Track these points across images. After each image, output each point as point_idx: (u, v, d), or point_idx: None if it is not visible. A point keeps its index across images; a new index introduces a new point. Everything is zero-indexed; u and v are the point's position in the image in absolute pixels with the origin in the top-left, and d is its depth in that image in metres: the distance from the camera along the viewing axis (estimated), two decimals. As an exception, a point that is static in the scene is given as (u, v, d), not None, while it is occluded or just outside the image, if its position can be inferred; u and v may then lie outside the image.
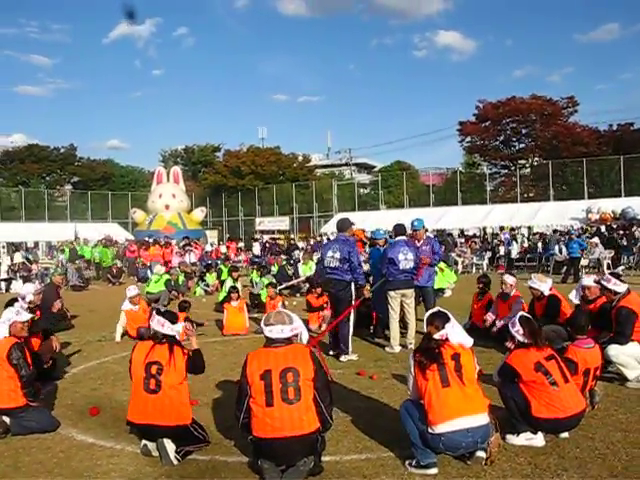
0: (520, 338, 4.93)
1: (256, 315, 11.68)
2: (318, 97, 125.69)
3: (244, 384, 4.24)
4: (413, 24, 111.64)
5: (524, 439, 4.73)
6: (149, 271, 19.74)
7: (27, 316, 5.91)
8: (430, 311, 4.69)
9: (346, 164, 62.80)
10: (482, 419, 4.22)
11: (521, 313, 5.11)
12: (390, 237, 10.28)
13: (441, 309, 4.70)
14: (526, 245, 24.21)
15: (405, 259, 8.63)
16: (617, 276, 7.03)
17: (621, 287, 6.80)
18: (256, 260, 24.91)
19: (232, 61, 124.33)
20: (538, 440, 4.70)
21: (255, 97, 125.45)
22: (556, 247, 21.00)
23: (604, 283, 6.91)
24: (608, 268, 20.58)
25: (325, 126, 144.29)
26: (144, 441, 4.77)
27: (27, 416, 5.31)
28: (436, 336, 4.40)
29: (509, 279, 9.05)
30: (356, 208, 39.06)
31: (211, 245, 25.34)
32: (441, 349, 4.32)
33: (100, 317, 12.53)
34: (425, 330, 4.59)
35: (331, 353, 8.31)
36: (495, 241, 25.83)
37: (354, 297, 8.32)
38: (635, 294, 6.86)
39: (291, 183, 44.40)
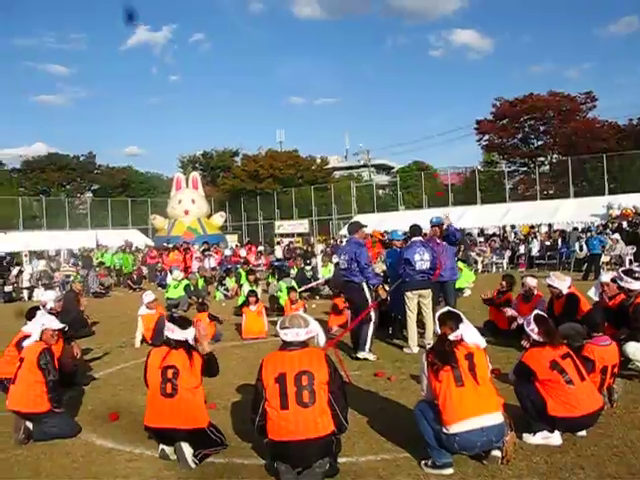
0: (535, 337, 4.92)
1: (275, 318, 11.68)
2: (335, 99, 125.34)
3: (259, 387, 4.29)
4: (429, 24, 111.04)
5: (541, 438, 4.71)
6: (169, 276, 19.91)
7: (59, 325, 6.04)
8: (441, 311, 4.68)
9: (364, 165, 62.68)
10: (497, 418, 4.21)
11: (536, 312, 5.10)
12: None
13: (452, 309, 4.69)
14: (548, 243, 23.87)
15: (421, 260, 8.64)
16: (632, 273, 6.96)
17: (635, 284, 6.75)
18: (276, 264, 24.97)
19: (249, 65, 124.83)
20: (555, 439, 4.69)
21: (273, 100, 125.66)
22: (576, 244, 20.83)
23: (617, 281, 6.87)
24: (630, 264, 20.35)
25: (343, 128, 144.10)
26: (162, 445, 4.83)
27: (49, 422, 5.39)
28: (451, 337, 4.39)
29: (531, 281, 9.00)
30: (375, 209, 39.00)
31: (230, 249, 25.43)
32: (455, 349, 4.32)
33: (120, 323, 12.65)
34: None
35: (353, 355, 8.32)
36: (515, 239, 25.63)
37: (370, 298, 8.32)
38: (653, 290, 6.80)
39: (309, 186, 44.39)
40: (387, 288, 9.05)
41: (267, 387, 4.22)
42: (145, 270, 24.43)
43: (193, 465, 4.63)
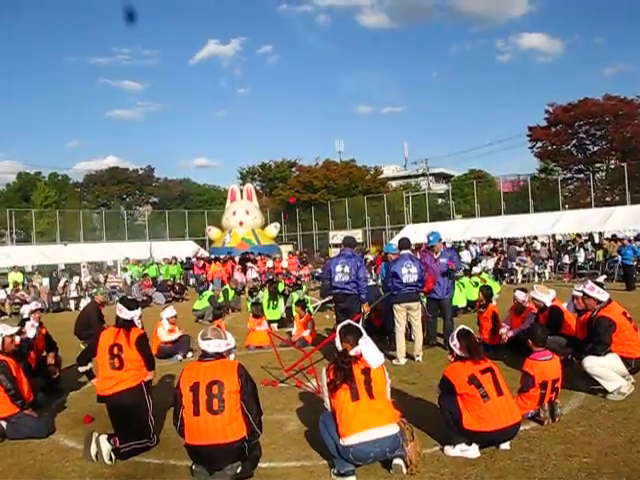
0: (457, 352, 5.07)
1: (291, 329, 12.01)
2: (401, 108, 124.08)
3: (177, 395, 4.65)
4: (496, 29, 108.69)
5: (459, 450, 4.86)
6: (211, 287, 20.66)
7: (13, 330, 6.66)
8: (341, 325, 4.87)
9: (423, 174, 62.33)
10: (391, 429, 4.41)
11: (461, 327, 5.23)
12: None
13: (352, 322, 4.89)
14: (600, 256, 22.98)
15: (408, 273, 8.80)
16: (600, 285, 6.94)
17: (603, 296, 6.74)
18: (317, 275, 25.36)
19: (315, 76, 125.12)
20: (472, 452, 4.82)
21: (337, 111, 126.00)
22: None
23: (587, 291, 6.85)
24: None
25: (404, 137, 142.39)
26: (95, 433, 5.33)
27: (20, 422, 5.95)
28: (352, 352, 4.61)
29: (520, 295, 9.07)
30: (428, 219, 38.76)
31: (272, 260, 25.96)
32: (353, 365, 4.53)
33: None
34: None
35: None
36: (564, 247, 25.01)
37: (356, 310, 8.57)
38: (616, 304, 6.78)
39: (363, 196, 44.59)
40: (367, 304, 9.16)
41: (183, 395, 4.58)
42: (192, 281, 25.41)
43: (108, 461, 5.09)
